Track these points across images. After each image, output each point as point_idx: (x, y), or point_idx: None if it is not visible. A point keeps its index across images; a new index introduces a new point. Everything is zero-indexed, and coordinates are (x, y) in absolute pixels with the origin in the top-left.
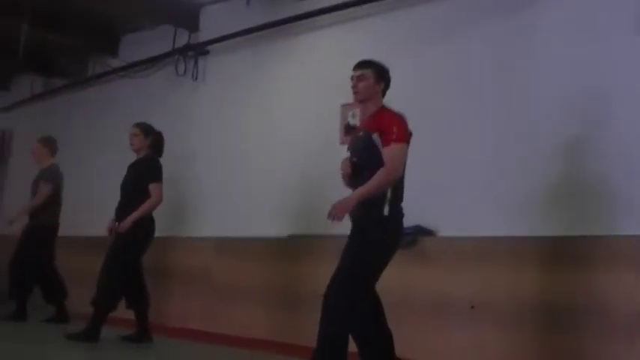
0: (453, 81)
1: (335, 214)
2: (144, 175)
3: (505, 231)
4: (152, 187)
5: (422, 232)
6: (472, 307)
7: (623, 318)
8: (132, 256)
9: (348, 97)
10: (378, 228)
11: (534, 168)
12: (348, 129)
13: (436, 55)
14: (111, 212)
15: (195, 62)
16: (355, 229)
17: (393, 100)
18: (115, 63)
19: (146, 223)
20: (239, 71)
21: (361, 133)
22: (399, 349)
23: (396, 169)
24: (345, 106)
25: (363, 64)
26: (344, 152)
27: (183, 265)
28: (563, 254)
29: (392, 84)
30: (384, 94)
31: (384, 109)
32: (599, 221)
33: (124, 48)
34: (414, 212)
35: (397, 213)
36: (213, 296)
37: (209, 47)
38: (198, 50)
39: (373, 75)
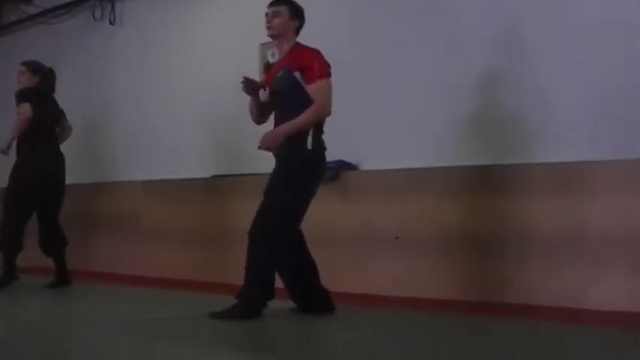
0: (377, 14)
1: (265, 144)
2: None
3: (427, 162)
4: (20, 107)
5: (345, 166)
6: (396, 237)
7: (542, 242)
8: (20, 200)
9: (267, 36)
10: (302, 161)
11: (455, 100)
12: (267, 67)
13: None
14: None
15: (112, 6)
16: (279, 163)
17: (319, 36)
18: (31, 10)
19: (34, 165)
20: (156, 14)
21: (281, 72)
22: (325, 281)
23: (325, 105)
24: (264, 45)
25: (278, 1)
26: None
27: (112, 210)
28: (485, 183)
29: (317, 22)
30: (297, 32)
31: (299, 46)
32: (517, 150)
33: None
34: (337, 147)
35: (320, 146)
36: (142, 240)
37: None
38: None
39: (288, 12)
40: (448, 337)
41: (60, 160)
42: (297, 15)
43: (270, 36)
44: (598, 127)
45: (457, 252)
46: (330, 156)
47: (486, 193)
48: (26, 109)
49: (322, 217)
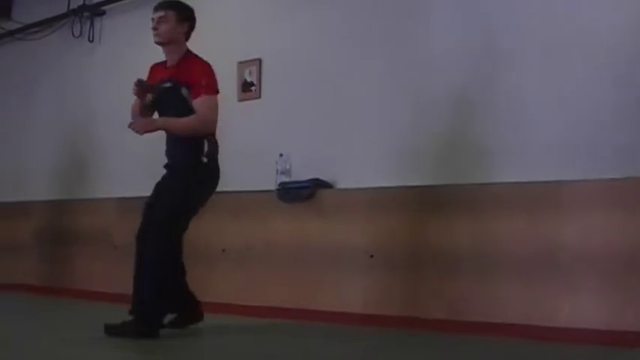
0: (347, 35)
1: (137, 126)
2: None
3: (401, 181)
4: None
5: (320, 185)
6: (371, 256)
7: (512, 261)
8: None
9: (245, 54)
10: (195, 174)
11: (424, 120)
12: (246, 86)
13: (331, 9)
14: None
15: (91, 23)
16: (170, 173)
17: (290, 57)
18: (9, 25)
19: None
20: (135, 31)
21: (168, 84)
22: (300, 298)
23: (206, 120)
24: (242, 64)
25: (164, 5)
26: (241, 109)
27: (84, 227)
28: (457, 202)
29: (289, 37)
30: (188, 36)
31: (190, 56)
32: (487, 169)
33: (18, 10)
34: (312, 165)
35: (214, 165)
36: (115, 257)
37: (105, 7)
38: (94, 11)
39: (175, 16)
40: (416, 355)
41: None
42: (187, 18)
43: (157, 43)
44: (568, 147)
45: (429, 270)
46: (306, 174)
47: (459, 212)
48: None
49: (297, 234)
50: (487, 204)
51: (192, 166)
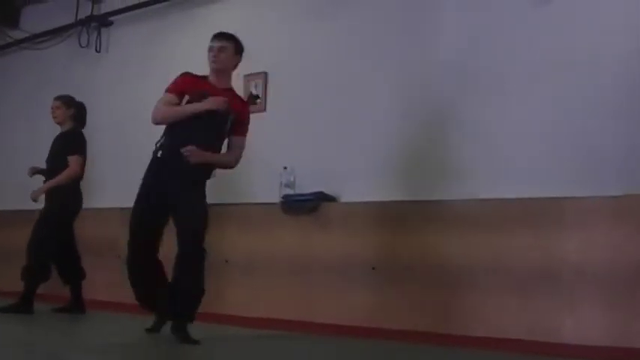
0: (352, 48)
1: (190, 155)
2: (66, 149)
3: (404, 195)
4: (71, 159)
5: (324, 198)
6: (373, 268)
7: (515, 276)
8: (52, 230)
9: (251, 68)
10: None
11: (429, 136)
12: (251, 99)
13: (336, 23)
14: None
15: (99, 33)
16: (193, 185)
17: (295, 70)
18: (17, 34)
19: (67, 195)
20: (142, 42)
21: (231, 115)
22: (302, 311)
23: (238, 160)
24: (248, 77)
25: (224, 36)
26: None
27: (90, 236)
28: (460, 217)
29: (295, 51)
30: (235, 68)
31: (234, 91)
32: (490, 185)
33: (26, 19)
34: (317, 178)
35: None
36: (120, 267)
37: (112, 18)
38: (101, 21)
39: (233, 47)
40: None
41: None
42: (240, 51)
43: (215, 69)
44: (571, 164)
45: (430, 284)
46: (310, 187)
47: (462, 227)
48: (76, 162)
49: (301, 247)
50: (490, 219)
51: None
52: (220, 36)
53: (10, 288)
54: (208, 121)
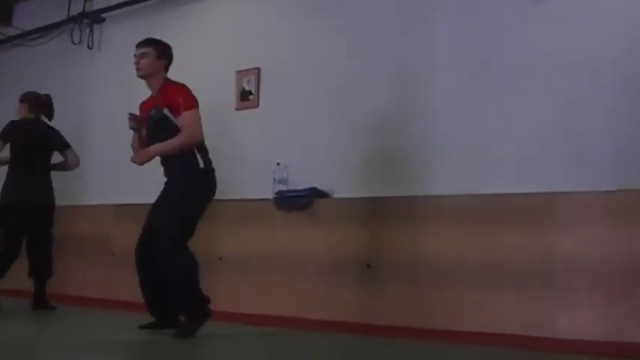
0: (345, 45)
1: (137, 159)
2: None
3: (397, 191)
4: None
5: (317, 194)
6: (368, 265)
7: (512, 272)
8: (8, 225)
9: (244, 64)
10: (192, 183)
11: (423, 131)
12: (244, 95)
13: (329, 20)
14: None
15: (91, 30)
16: (170, 183)
17: (288, 66)
18: (9, 31)
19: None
20: (134, 39)
21: (152, 111)
22: (296, 307)
23: (193, 131)
24: (241, 73)
25: (144, 43)
26: (240, 118)
27: (83, 233)
28: (455, 212)
29: (287, 46)
30: (166, 69)
31: (167, 83)
32: (486, 180)
33: (18, 16)
34: (310, 175)
35: (209, 171)
36: (114, 263)
37: (105, 15)
38: (94, 18)
39: (154, 52)
40: None
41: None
42: (164, 54)
43: (140, 76)
44: (565, 159)
45: (426, 280)
46: (304, 183)
47: (456, 223)
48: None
49: (294, 243)
50: (485, 215)
51: (189, 179)
52: (140, 43)
53: (7, 287)
54: (151, 133)
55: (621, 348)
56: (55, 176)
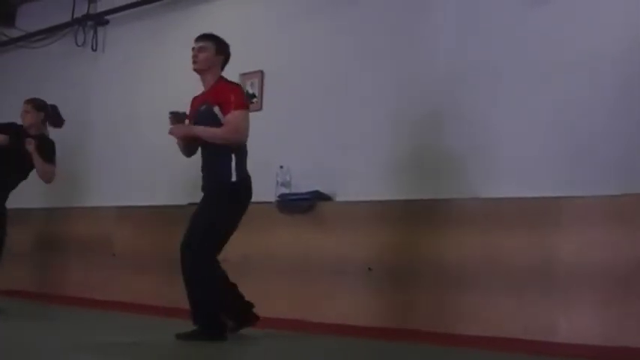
0: (348, 47)
1: (176, 132)
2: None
3: (400, 194)
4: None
5: (320, 197)
6: (369, 268)
7: (512, 276)
8: None
9: (248, 66)
10: (227, 195)
11: (425, 135)
12: (248, 97)
13: (332, 22)
14: None
15: (95, 32)
16: (206, 196)
17: (292, 69)
18: (13, 33)
19: None
20: (138, 41)
21: (203, 107)
22: (299, 310)
23: (237, 129)
24: (245, 75)
25: (204, 37)
26: None
27: (85, 235)
28: (456, 216)
29: (291, 49)
30: (223, 66)
31: (221, 80)
32: (488, 185)
33: (22, 17)
34: (313, 178)
35: (245, 178)
36: (115, 265)
37: (108, 17)
38: (98, 20)
39: (213, 47)
40: None
41: None
42: (223, 51)
43: (195, 70)
44: (567, 163)
45: (426, 283)
46: (306, 186)
47: (458, 226)
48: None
49: (297, 246)
50: (487, 218)
51: (224, 194)
52: (199, 37)
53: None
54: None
55: (621, 352)
56: (57, 177)
